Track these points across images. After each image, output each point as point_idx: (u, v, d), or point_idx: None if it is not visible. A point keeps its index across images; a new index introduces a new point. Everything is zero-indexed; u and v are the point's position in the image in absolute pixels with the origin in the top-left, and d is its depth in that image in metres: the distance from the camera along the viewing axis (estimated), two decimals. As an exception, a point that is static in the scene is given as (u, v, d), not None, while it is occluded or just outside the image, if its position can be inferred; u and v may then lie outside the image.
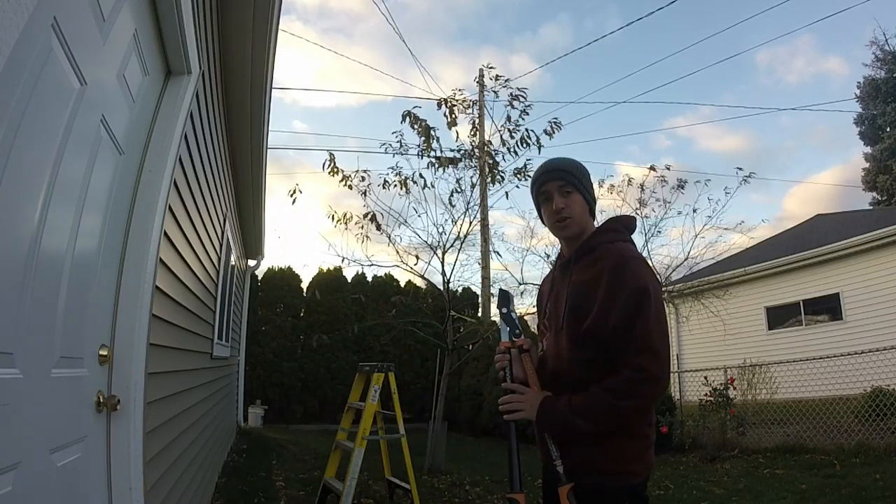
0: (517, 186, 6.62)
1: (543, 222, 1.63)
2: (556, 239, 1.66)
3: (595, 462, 1.39)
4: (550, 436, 1.43)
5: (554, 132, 6.34)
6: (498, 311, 1.69)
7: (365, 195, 6.47)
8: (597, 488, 1.38)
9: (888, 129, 20.78)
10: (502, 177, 6.65)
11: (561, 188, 1.52)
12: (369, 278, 11.32)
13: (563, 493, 1.36)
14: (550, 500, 1.46)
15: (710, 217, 8.01)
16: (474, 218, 6.92)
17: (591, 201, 1.57)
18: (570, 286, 1.50)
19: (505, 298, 1.71)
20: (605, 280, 1.40)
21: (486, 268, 7.54)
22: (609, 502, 1.38)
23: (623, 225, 1.58)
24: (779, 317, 11.55)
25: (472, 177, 6.79)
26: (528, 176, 6.26)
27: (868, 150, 22.12)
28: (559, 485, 1.38)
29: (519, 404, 1.47)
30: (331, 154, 6.33)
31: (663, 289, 8.19)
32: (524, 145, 6.39)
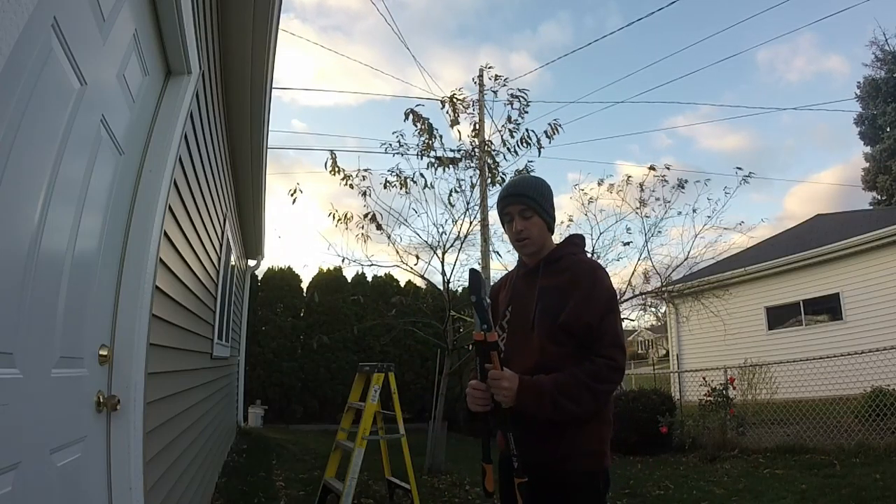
0: None
1: (506, 232, 1.79)
2: None
3: (584, 448, 1.51)
4: (529, 410, 1.47)
5: (554, 134, 6.34)
6: (470, 299, 1.47)
7: (366, 195, 6.48)
8: (592, 475, 1.52)
9: (888, 129, 20.79)
10: (503, 178, 6.66)
11: (522, 212, 1.67)
12: (369, 278, 11.34)
13: (515, 484, 1.47)
14: (507, 487, 1.57)
15: (709, 217, 7.99)
16: (474, 218, 6.93)
17: (549, 221, 1.72)
18: (538, 291, 1.63)
19: (476, 283, 1.49)
20: (579, 284, 1.57)
21: (486, 268, 7.53)
22: (598, 484, 1.53)
23: (582, 242, 1.81)
24: (779, 317, 11.55)
25: (472, 177, 6.80)
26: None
27: (868, 149, 22.15)
28: (515, 476, 1.47)
29: (496, 390, 1.47)
30: (332, 154, 6.35)
31: (663, 288, 8.22)
32: (524, 145, 6.41)
